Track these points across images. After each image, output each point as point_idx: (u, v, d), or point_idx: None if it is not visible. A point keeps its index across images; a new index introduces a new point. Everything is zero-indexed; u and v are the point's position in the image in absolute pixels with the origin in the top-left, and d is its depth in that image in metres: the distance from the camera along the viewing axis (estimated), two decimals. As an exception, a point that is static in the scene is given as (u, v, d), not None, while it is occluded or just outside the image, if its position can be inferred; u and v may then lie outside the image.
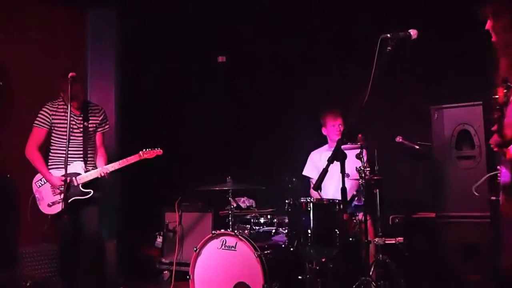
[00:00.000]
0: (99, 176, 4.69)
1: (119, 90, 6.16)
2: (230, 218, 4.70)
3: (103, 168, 4.71)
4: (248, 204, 5.51)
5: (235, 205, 5.06)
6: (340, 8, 5.67)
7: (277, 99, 6.08)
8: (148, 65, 6.32)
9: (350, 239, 4.43)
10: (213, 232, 4.57)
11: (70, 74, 4.43)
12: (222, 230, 4.55)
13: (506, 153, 2.88)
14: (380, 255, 4.31)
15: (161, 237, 5.60)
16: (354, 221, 4.56)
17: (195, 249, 4.56)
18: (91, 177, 4.68)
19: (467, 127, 4.60)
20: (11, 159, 5.40)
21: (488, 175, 4.04)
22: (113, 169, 4.72)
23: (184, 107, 6.39)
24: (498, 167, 3.19)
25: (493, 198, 3.19)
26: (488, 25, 3.12)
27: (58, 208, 4.56)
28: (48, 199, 4.66)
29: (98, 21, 6.26)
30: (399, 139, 5.07)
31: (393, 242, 4.36)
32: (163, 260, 5.55)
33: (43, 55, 5.82)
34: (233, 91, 6.29)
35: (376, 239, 4.34)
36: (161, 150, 4.86)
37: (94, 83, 6.11)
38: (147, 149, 4.82)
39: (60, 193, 4.58)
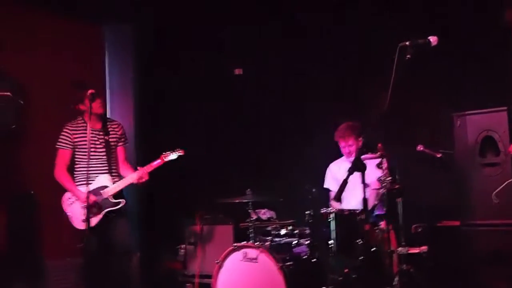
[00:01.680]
0: (135, 182, 4.77)
1: (138, 102, 6.23)
2: (251, 230, 4.69)
3: (140, 169, 4.76)
4: (268, 216, 5.48)
5: (255, 217, 5.03)
6: (358, 17, 5.64)
7: (297, 110, 6.06)
8: (166, 77, 6.36)
9: (373, 249, 4.38)
10: (234, 244, 4.58)
11: (90, 91, 4.52)
12: (244, 242, 4.57)
13: None
14: (404, 265, 4.24)
15: (183, 250, 5.60)
16: (377, 230, 4.51)
17: (217, 261, 4.57)
18: (120, 188, 4.78)
19: (491, 133, 4.53)
20: (34, 175, 5.49)
21: (509, 181, 3.98)
22: (148, 170, 4.79)
23: (203, 120, 6.41)
24: None
25: None
26: None
27: (93, 222, 4.65)
28: (81, 215, 4.64)
29: (115, 35, 6.37)
30: (420, 147, 5.00)
31: (417, 251, 4.30)
32: (186, 272, 5.56)
33: (63, 70, 5.91)
34: (252, 103, 6.29)
35: (399, 249, 4.27)
36: (183, 150, 4.89)
37: (114, 96, 6.19)
38: (167, 152, 4.87)
39: (91, 208, 4.59)
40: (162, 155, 4.86)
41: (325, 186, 5.33)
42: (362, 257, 4.16)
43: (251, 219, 4.76)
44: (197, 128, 6.40)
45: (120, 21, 6.33)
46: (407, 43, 3.11)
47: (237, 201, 4.85)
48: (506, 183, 4.05)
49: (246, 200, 4.80)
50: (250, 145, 6.25)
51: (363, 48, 5.57)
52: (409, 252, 4.26)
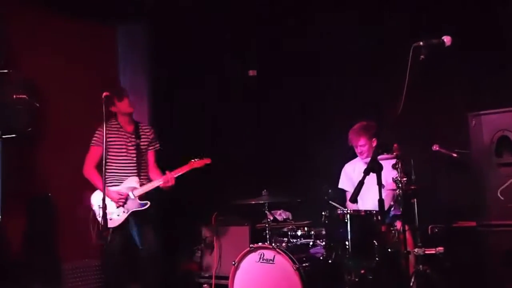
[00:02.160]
0: (160, 185, 4.89)
1: (152, 105, 6.26)
2: (267, 231, 4.71)
3: (168, 174, 4.88)
4: (284, 217, 5.50)
5: (271, 218, 5.06)
6: (373, 18, 5.63)
7: (312, 111, 6.06)
8: (180, 79, 6.39)
9: (389, 250, 4.38)
10: (250, 245, 4.59)
11: (104, 94, 4.63)
12: (260, 244, 4.57)
13: None
14: (420, 266, 4.24)
15: (199, 251, 5.63)
16: (393, 231, 4.50)
17: (233, 263, 4.59)
18: (147, 189, 4.91)
19: (507, 133, 4.49)
20: (50, 177, 5.55)
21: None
22: (175, 175, 4.91)
23: (218, 121, 6.44)
24: None
25: None
26: None
27: (118, 221, 4.81)
28: (108, 213, 4.71)
29: (127, 36, 6.41)
30: (436, 147, 4.99)
31: (433, 252, 4.29)
32: (202, 273, 5.58)
33: (77, 72, 5.97)
34: (267, 104, 6.31)
35: (416, 250, 4.28)
36: (210, 159, 5.02)
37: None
38: (196, 159, 4.99)
39: (118, 207, 4.81)
40: (191, 162, 4.98)
41: (339, 186, 5.34)
42: (378, 258, 4.16)
43: (267, 220, 4.77)
44: (213, 129, 6.42)
45: (132, 22, 6.35)
46: (421, 43, 3.10)
47: (253, 202, 4.86)
48: (510, 181, 4.05)
49: (262, 201, 4.80)
50: (266, 146, 6.26)
51: (381, 47, 5.55)
52: (426, 253, 4.26)
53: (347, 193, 5.29)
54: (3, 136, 5.16)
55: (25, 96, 5.23)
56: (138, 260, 4.94)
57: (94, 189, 4.91)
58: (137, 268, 5.01)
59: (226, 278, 4.67)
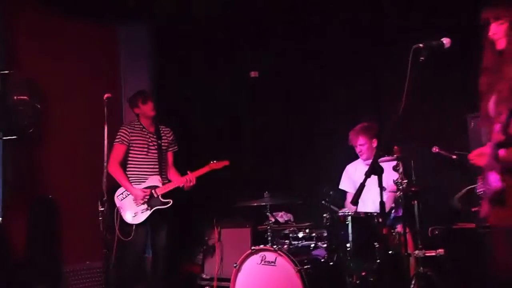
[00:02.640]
0: (182, 185, 5.02)
1: (154, 105, 6.25)
2: (268, 234, 4.71)
3: (190, 174, 5.02)
4: (286, 219, 5.51)
5: (273, 220, 5.08)
6: (373, 19, 5.64)
7: (314, 112, 6.07)
8: (182, 81, 6.39)
9: (390, 252, 4.40)
10: (252, 248, 4.60)
11: (106, 95, 4.69)
12: (262, 246, 4.57)
13: (498, 155, 2.83)
14: (421, 268, 4.26)
15: (201, 253, 5.64)
16: (393, 233, 4.53)
17: (235, 265, 4.60)
18: (169, 188, 5.03)
19: (506, 134, 4.51)
20: (52, 179, 5.55)
21: (469, 187, 4.03)
22: (197, 175, 5.06)
23: (219, 123, 6.44)
24: (479, 177, 3.18)
25: (475, 209, 3.18)
26: (497, 29, 3.05)
27: (142, 218, 4.94)
28: (132, 210, 4.95)
29: (130, 37, 6.40)
30: (435, 149, 5.00)
31: (434, 254, 4.32)
32: (204, 276, 5.59)
33: (80, 73, 5.99)
34: (268, 105, 6.32)
35: (416, 252, 4.30)
36: (228, 161, 5.16)
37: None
38: (215, 161, 5.13)
39: (142, 204, 4.94)
40: (210, 163, 5.11)
41: (340, 187, 5.36)
42: (379, 260, 4.19)
43: (269, 222, 4.78)
44: (216, 130, 6.42)
45: (135, 22, 6.36)
46: (421, 45, 3.11)
47: (255, 204, 4.87)
48: (466, 189, 4.14)
49: (263, 203, 4.81)
50: (268, 148, 6.27)
51: (383, 48, 5.56)
52: (426, 255, 4.29)
53: (348, 193, 5.31)
54: (4, 138, 5.19)
55: (26, 97, 5.25)
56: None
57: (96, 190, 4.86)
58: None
59: (228, 280, 4.68)
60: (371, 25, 5.69)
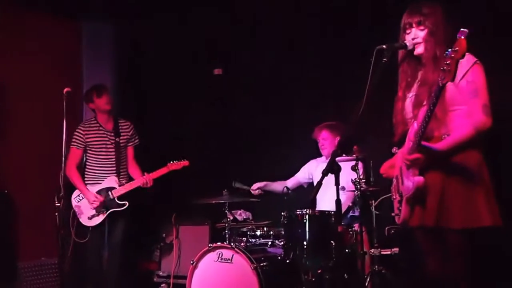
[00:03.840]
0: (142, 185, 4.96)
1: (114, 103, 6.19)
2: (226, 231, 4.72)
3: (146, 176, 4.98)
4: (245, 217, 5.51)
5: (231, 218, 5.08)
6: (338, 18, 5.66)
7: (275, 111, 6.07)
8: (144, 78, 6.34)
9: (346, 250, 4.44)
10: (209, 245, 4.59)
11: (66, 90, 4.64)
12: (219, 243, 4.57)
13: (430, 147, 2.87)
14: (376, 266, 4.32)
15: (158, 250, 5.60)
16: (350, 232, 4.57)
17: (192, 262, 4.58)
18: (126, 190, 4.97)
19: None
20: (8, 174, 5.45)
21: (385, 196, 4.16)
22: (154, 177, 5.01)
23: (180, 120, 6.40)
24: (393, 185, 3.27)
25: (393, 214, 3.27)
26: (418, 34, 3.09)
27: (98, 220, 4.90)
28: (87, 212, 4.91)
29: (93, 33, 6.32)
30: (395, 150, 5.05)
31: (389, 253, 4.38)
32: (161, 273, 5.54)
33: (40, 68, 5.87)
34: (229, 104, 6.30)
35: (372, 250, 4.36)
36: (188, 161, 5.11)
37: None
38: (174, 161, 5.08)
39: (97, 207, 4.90)
40: (169, 164, 5.07)
41: (296, 174, 5.40)
42: (335, 258, 4.22)
43: (227, 219, 4.78)
44: (177, 128, 6.38)
45: (99, 18, 6.28)
46: (384, 46, 3.13)
47: (214, 201, 4.87)
48: (381, 198, 4.27)
49: (222, 201, 4.81)
50: (228, 146, 6.26)
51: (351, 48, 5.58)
52: (382, 253, 4.35)
53: (297, 175, 5.39)
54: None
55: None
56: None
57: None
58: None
59: (185, 277, 4.66)
60: (337, 25, 5.70)
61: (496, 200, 2.94)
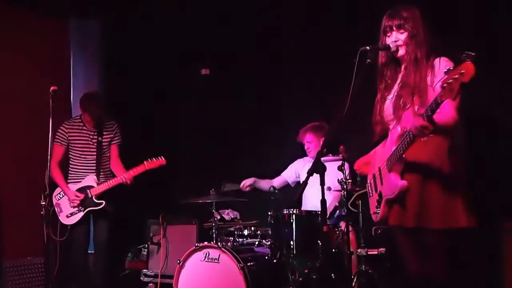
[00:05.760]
0: (122, 182, 4.97)
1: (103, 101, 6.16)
2: (213, 231, 4.71)
3: (125, 173, 4.99)
4: (232, 216, 5.51)
5: (219, 217, 5.08)
6: (325, 20, 5.67)
7: (262, 111, 6.08)
8: (132, 76, 6.31)
9: (333, 250, 4.45)
10: (196, 244, 4.58)
11: (52, 88, 4.62)
12: (206, 243, 4.56)
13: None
14: (363, 266, 4.33)
15: (145, 249, 5.58)
16: (337, 232, 4.58)
17: (178, 261, 4.57)
18: (103, 189, 4.98)
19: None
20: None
21: (358, 193, 4.19)
22: (131, 176, 5.00)
23: (168, 119, 6.39)
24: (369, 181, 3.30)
25: (372, 212, 3.30)
26: (399, 37, 3.10)
27: (76, 218, 4.95)
28: (66, 210, 4.97)
29: (81, 31, 6.29)
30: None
31: (376, 252, 4.39)
32: (148, 272, 5.52)
33: (27, 66, 5.82)
34: (216, 104, 6.29)
35: (359, 250, 4.37)
36: (164, 160, 5.08)
37: (79, 94, 6.09)
38: (151, 159, 5.06)
39: (77, 205, 4.94)
40: (145, 162, 5.04)
41: (283, 173, 5.40)
42: (322, 258, 4.23)
43: (214, 219, 4.77)
44: (164, 127, 6.37)
45: (86, 15, 6.24)
46: (368, 47, 3.15)
47: (201, 201, 4.86)
48: (356, 194, 4.31)
49: (209, 201, 4.80)
50: (216, 145, 6.25)
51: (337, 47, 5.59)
52: (369, 253, 4.36)
53: (283, 173, 5.41)
54: None
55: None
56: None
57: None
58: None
59: (172, 277, 4.65)
60: (323, 28, 5.71)
61: (472, 202, 2.96)
